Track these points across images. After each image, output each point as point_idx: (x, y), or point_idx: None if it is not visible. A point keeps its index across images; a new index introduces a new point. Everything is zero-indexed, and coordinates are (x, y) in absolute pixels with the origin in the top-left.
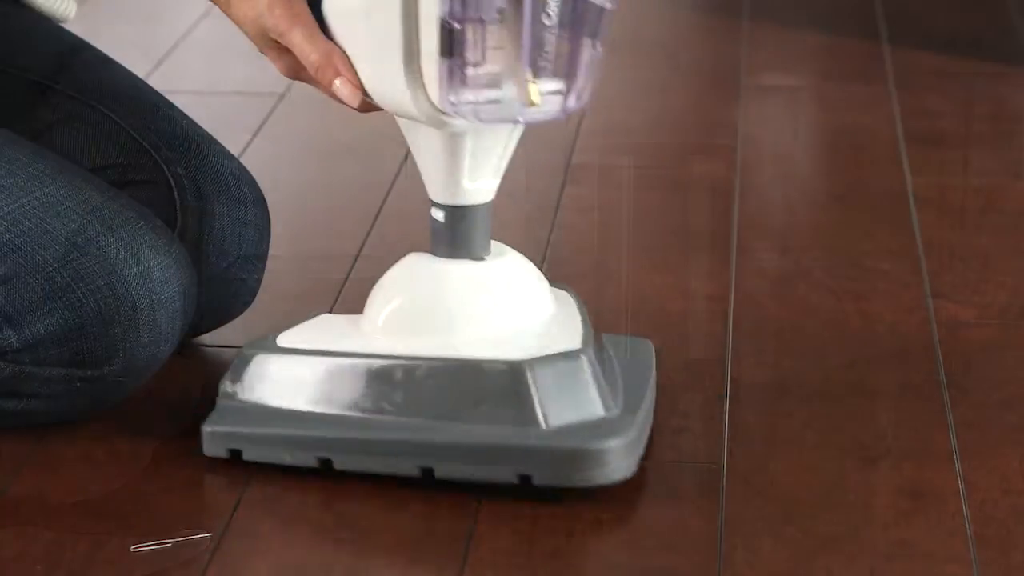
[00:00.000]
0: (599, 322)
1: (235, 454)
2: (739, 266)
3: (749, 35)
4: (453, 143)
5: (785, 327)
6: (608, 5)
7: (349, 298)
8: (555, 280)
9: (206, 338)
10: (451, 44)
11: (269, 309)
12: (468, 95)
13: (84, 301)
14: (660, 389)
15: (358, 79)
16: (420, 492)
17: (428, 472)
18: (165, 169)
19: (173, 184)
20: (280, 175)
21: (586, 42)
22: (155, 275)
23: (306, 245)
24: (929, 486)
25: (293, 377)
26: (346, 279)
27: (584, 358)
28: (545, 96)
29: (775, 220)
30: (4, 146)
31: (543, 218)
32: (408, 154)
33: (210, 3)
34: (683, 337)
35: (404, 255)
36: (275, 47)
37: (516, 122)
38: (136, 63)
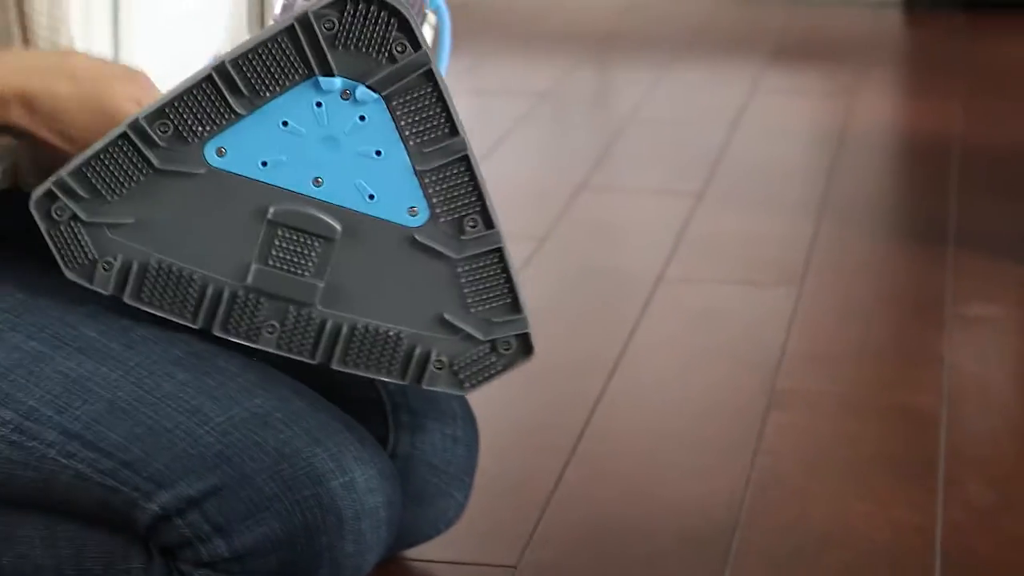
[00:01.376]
0: (801, 552)
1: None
2: (946, 496)
3: (954, 263)
4: None
5: (994, 561)
6: None
7: (554, 516)
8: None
9: (411, 552)
10: None
11: (472, 524)
12: None
13: (291, 511)
14: None
15: None
16: None
17: None
18: (379, 386)
19: (387, 400)
20: (486, 390)
21: None
22: (360, 486)
23: (509, 461)
24: None
25: None
26: (551, 496)
27: None
28: None
29: (983, 451)
30: (215, 357)
31: (746, 442)
32: (610, 376)
33: None
34: (890, 568)
35: (609, 478)
36: None
37: None
38: None
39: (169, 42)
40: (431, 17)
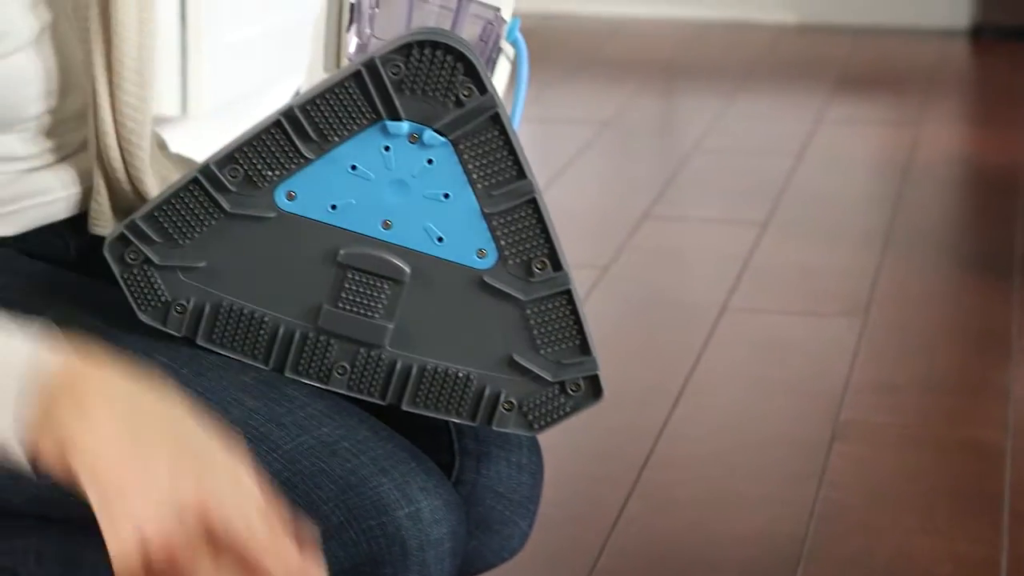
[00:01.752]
0: None
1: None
2: (1011, 530)
3: (1020, 295)
4: None
5: None
6: None
7: (616, 546)
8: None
9: None
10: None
11: (536, 553)
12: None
13: (356, 540)
14: None
15: None
16: None
17: None
18: None
19: (452, 427)
20: None
21: None
22: (425, 516)
23: (573, 489)
24: None
25: None
26: (614, 525)
27: None
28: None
29: None
30: (284, 386)
31: (810, 473)
32: (674, 406)
33: None
34: None
35: (672, 508)
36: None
37: None
38: None
39: (238, 67)
40: (509, 50)
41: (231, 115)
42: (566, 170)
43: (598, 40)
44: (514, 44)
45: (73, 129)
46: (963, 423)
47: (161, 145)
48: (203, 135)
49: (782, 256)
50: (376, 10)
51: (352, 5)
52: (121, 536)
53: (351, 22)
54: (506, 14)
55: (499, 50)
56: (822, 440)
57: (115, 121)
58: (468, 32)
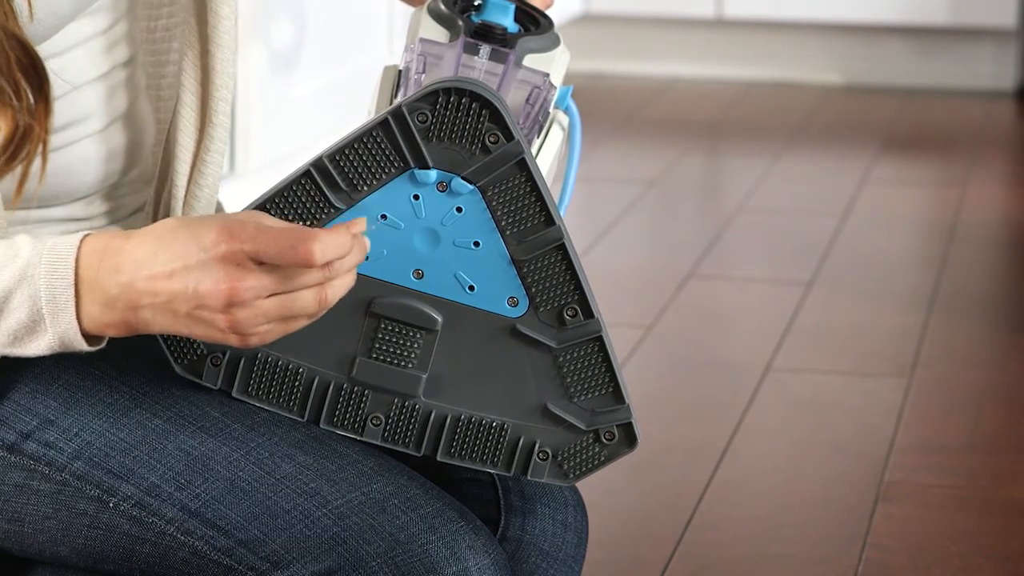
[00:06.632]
0: None
1: None
2: None
3: None
4: None
5: None
6: None
7: None
8: None
9: None
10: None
11: None
12: None
13: None
14: None
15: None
16: None
17: None
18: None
19: (498, 483)
20: (593, 477)
21: None
22: (472, 575)
23: (616, 549)
24: None
25: None
26: None
27: None
28: None
29: None
30: (335, 443)
31: (855, 535)
32: (717, 466)
33: None
34: None
35: (716, 569)
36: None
37: None
38: None
39: (286, 125)
40: (564, 119)
41: (279, 173)
42: (611, 229)
43: (644, 100)
44: (566, 111)
45: (132, 192)
46: (1009, 484)
47: (216, 208)
48: (251, 192)
49: (827, 316)
50: (422, 75)
51: (400, 72)
52: (203, 331)
53: (398, 87)
54: (556, 80)
55: (547, 114)
56: (867, 501)
57: (191, 182)
58: (514, 96)
